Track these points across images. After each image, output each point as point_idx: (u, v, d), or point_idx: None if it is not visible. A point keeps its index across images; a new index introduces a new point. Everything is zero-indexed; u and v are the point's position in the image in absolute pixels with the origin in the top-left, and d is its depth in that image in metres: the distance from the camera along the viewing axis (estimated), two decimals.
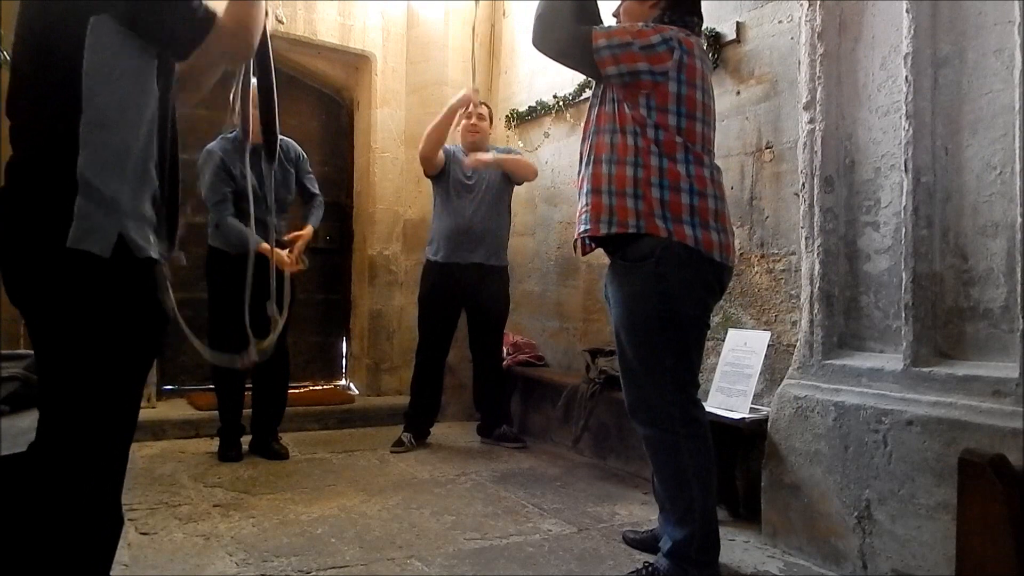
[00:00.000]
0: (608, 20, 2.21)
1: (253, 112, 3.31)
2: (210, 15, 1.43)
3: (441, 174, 3.70)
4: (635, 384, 2.09)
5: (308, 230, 3.45)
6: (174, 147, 1.54)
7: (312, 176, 3.59)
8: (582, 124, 2.22)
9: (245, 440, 3.45)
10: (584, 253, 2.25)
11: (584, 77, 3.74)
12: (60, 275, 1.35)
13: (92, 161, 1.34)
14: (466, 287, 3.66)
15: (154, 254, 1.43)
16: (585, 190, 2.12)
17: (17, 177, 1.39)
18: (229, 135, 3.33)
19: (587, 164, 2.13)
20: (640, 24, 2.07)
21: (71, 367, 1.39)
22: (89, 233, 1.33)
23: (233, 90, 1.91)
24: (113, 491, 1.45)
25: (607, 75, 2.02)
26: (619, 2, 2.25)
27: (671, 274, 1.98)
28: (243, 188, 3.27)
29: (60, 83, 1.36)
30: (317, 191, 3.58)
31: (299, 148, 3.56)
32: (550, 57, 2.15)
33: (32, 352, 2.24)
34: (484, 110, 3.79)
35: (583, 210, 2.12)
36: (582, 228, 2.12)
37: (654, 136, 2.01)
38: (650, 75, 1.99)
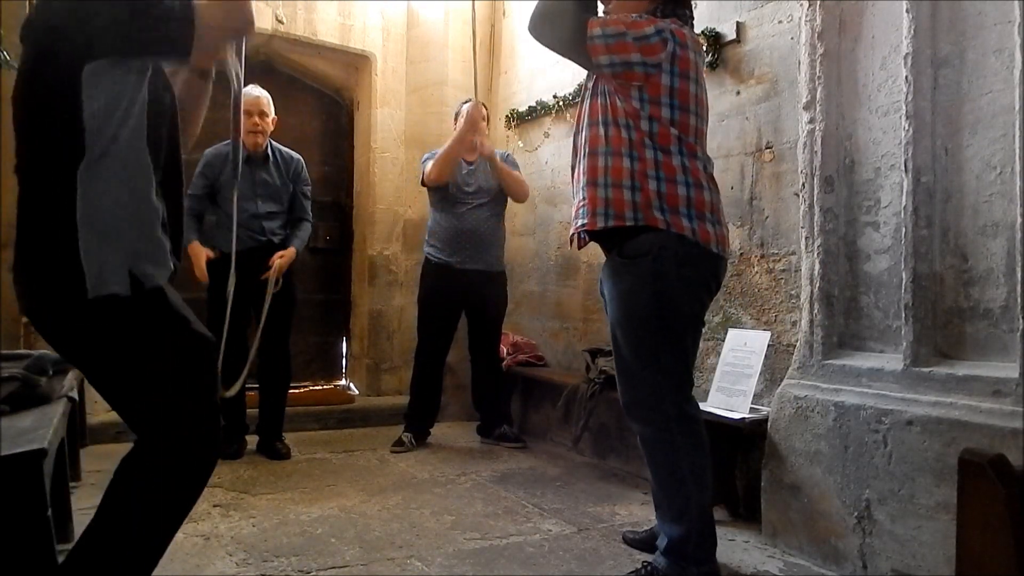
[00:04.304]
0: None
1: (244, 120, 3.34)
2: (186, 6, 1.41)
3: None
4: (631, 382, 2.09)
5: (291, 252, 3.37)
6: (177, 169, 1.55)
7: (308, 196, 3.54)
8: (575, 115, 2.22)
9: (252, 440, 3.46)
10: (580, 247, 2.23)
11: (585, 76, 3.76)
12: (90, 325, 1.40)
13: (91, 207, 1.36)
14: (466, 290, 3.66)
15: (161, 281, 1.46)
16: (581, 184, 2.11)
17: (25, 232, 1.42)
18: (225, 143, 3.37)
19: (583, 157, 2.12)
20: (634, 15, 2.06)
21: (133, 399, 1.46)
22: (104, 277, 1.36)
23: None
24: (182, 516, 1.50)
25: (598, 64, 2.01)
26: None
27: (668, 272, 1.97)
28: (220, 190, 3.31)
29: (58, 131, 1.38)
30: (308, 215, 3.52)
31: (300, 161, 3.53)
32: (550, 47, 2.14)
33: (32, 352, 2.25)
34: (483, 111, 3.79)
35: (580, 204, 2.11)
36: (579, 223, 2.11)
37: (648, 128, 2.01)
38: (642, 66, 1.98)
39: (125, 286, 1.37)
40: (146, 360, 1.42)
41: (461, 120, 3.62)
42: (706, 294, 2.10)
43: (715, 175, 2.13)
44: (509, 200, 3.82)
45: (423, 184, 3.75)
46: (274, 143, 3.44)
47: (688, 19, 2.17)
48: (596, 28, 1.99)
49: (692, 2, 2.23)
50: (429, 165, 3.65)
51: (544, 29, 2.10)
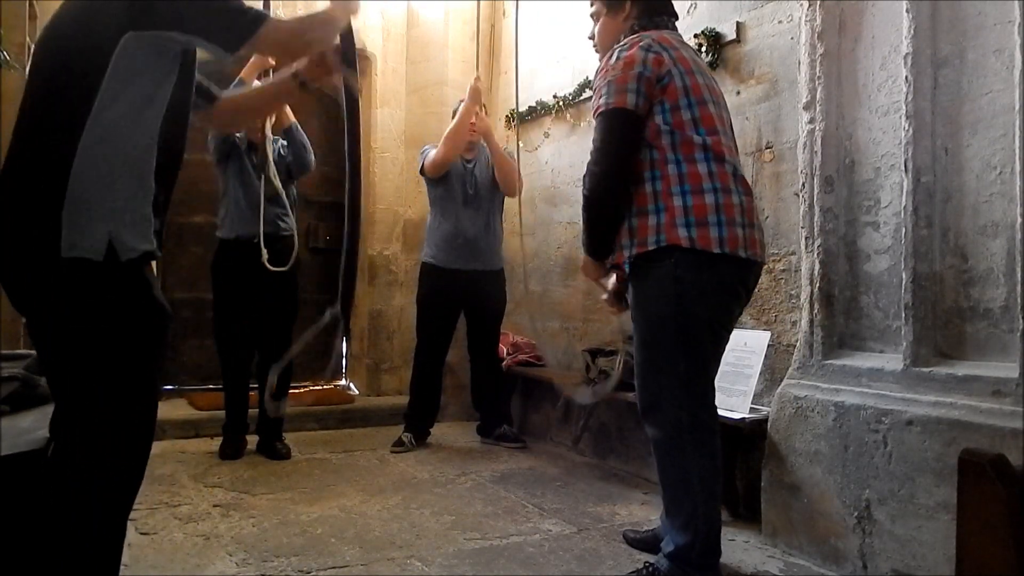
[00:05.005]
0: (580, 45, 2.18)
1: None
2: (261, 16, 1.47)
3: (442, 178, 3.69)
4: (646, 386, 2.07)
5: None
6: (177, 159, 1.55)
7: (305, 148, 3.53)
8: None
9: (252, 440, 3.46)
10: (620, 280, 2.20)
11: (584, 77, 3.76)
12: (59, 283, 1.37)
13: (85, 170, 1.35)
14: (465, 291, 3.67)
15: (148, 247, 1.43)
16: None
17: (9, 189, 1.40)
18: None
19: None
20: (616, 57, 2.04)
21: (76, 372, 1.41)
22: (79, 239, 1.34)
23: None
24: (125, 501, 1.46)
25: (650, 110, 2.01)
26: (593, 24, 2.27)
27: (688, 276, 1.95)
28: (229, 179, 3.34)
29: (70, 96, 1.38)
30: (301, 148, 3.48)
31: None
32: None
33: (32, 352, 2.25)
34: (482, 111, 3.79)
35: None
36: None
37: (669, 142, 1.99)
38: (658, 80, 1.99)
39: (100, 252, 1.34)
40: (97, 331, 1.39)
41: (463, 107, 3.62)
42: (732, 300, 2.07)
43: None
44: (506, 198, 3.83)
45: (422, 173, 3.73)
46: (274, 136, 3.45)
47: (667, 24, 2.17)
48: (624, 97, 1.97)
49: (675, 5, 2.23)
50: (431, 153, 3.65)
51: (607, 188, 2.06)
